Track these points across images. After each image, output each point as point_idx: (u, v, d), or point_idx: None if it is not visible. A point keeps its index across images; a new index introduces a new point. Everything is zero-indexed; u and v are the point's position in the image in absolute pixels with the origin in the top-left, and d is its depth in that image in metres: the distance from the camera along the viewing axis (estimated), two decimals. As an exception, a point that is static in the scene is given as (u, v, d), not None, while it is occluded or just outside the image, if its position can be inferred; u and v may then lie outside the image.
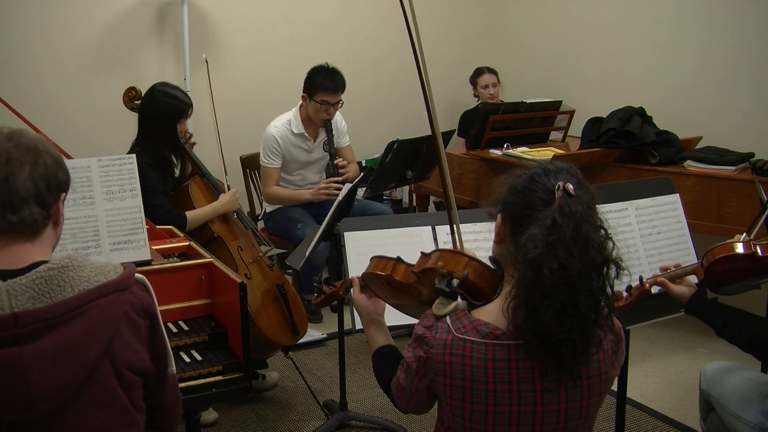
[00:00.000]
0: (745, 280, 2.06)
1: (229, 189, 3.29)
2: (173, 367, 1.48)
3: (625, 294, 2.12)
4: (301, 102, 3.94)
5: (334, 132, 3.94)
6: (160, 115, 3.11)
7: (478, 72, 5.00)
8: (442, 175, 1.66)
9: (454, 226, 1.66)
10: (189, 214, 3.09)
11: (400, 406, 1.60)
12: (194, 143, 3.34)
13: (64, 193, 1.42)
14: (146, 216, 2.54)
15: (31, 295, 1.26)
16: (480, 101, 4.95)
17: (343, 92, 3.85)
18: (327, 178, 3.99)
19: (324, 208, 3.78)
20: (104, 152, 2.53)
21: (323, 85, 3.78)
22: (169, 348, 1.47)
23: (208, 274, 2.42)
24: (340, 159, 3.95)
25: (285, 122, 3.95)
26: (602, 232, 1.38)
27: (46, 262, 1.33)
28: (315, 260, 3.69)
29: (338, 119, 4.04)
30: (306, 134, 3.95)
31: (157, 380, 1.46)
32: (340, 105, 3.87)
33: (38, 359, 1.23)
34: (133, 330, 1.37)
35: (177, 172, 3.35)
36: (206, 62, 3.58)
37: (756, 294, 2.31)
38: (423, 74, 1.60)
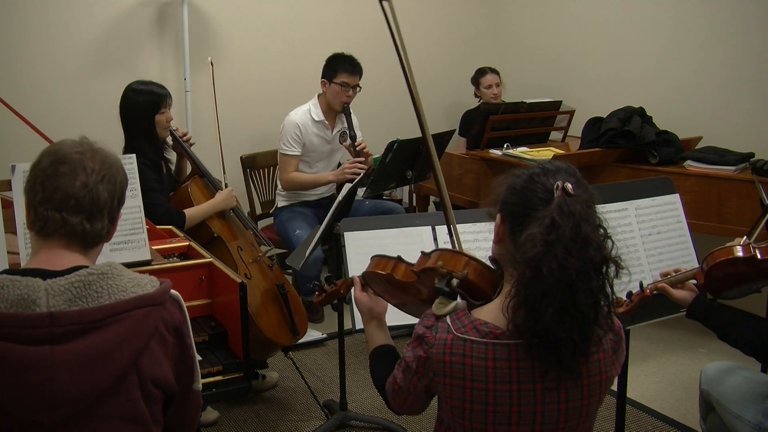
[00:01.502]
0: (746, 284, 2.06)
1: (226, 187, 3.29)
2: (199, 383, 1.48)
3: (626, 300, 2.11)
4: (318, 92, 4.01)
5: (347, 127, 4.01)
6: (140, 113, 3.09)
7: (481, 72, 4.99)
8: (435, 177, 1.66)
9: (452, 227, 1.66)
10: (187, 212, 3.09)
11: (395, 407, 1.60)
12: (192, 143, 3.35)
13: (121, 210, 1.48)
14: (145, 215, 2.52)
15: (68, 297, 1.28)
16: (481, 101, 4.94)
17: (360, 77, 3.96)
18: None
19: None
20: (104, 152, 2.52)
21: (343, 66, 3.90)
22: (197, 365, 1.47)
23: (208, 274, 2.43)
24: (361, 141, 3.99)
25: (305, 110, 4.01)
26: (601, 231, 1.38)
27: (86, 267, 1.34)
28: (306, 270, 3.69)
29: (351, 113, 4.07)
30: (326, 122, 4.01)
31: (180, 397, 1.46)
32: (358, 90, 3.95)
33: (68, 361, 1.24)
34: (162, 346, 1.38)
35: (173, 168, 3.36)
36: (211, 64, 3.58)
37: (756, 295, 2.31)
38: (410, 82, 1.61)
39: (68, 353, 1.24)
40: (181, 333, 1.43)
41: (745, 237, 2.11)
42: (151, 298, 1.35)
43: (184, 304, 1.46)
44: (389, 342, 1.75)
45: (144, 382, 1.34)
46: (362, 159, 3.89)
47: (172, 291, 1.43)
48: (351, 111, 3.98)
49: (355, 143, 3.93)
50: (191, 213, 3.10)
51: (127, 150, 3.09)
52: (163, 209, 3.02)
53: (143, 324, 1.33)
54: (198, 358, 2.16)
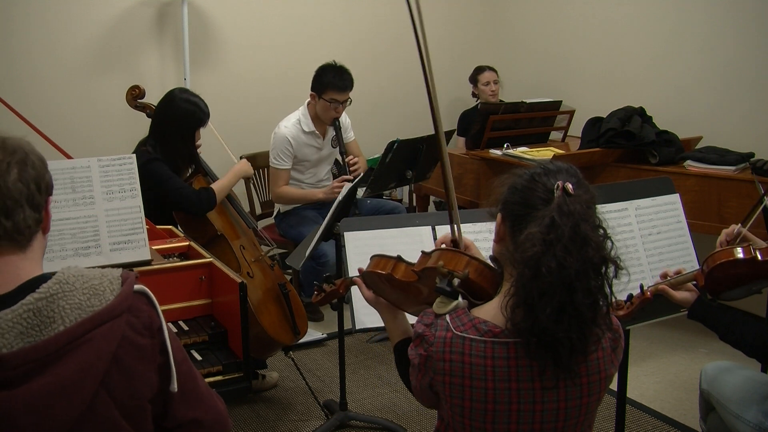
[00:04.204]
0: (746, 285, 2.06)
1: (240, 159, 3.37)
2: (174, 385, 1.31)
3: (626, 303, 2.10)
4: (308, 100, 3.95)
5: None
6: (178, 121, 3.11)
7: (479, 70, 5.03)
8: (444, 175, 1.65)
9: (456, 226, 1.65)
10: (214, 185, 3.14)
11: (419, 401, 1.58)
12: (199, 144, 3.36)
13: (50, 197, 1.34)
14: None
15: (19, 331, 1.16)
16: (479, 101, 4.96)
17: (351, 90, 3.86)
18: (337, 175, 4.03)
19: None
20: (104, 152, 2.53)
21: (332, 83, 3.78)
22: (172, 364, 1.31)
23: (208, 274, 2.43)
24: (351, 156, 3.96)
25: (295, 122, 3.94)
26: (601, 231, 1.38)
27: (39, 279, 1.23)
28: (325, 258, 3.76)
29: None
30: (316, 131, 3.96)
31: (166, 399, 1.34)
32: (348, 103, 3.87)
33: (30, 403, 1.14)
34: (134, 353, 1.25)
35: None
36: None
37: (756, 296, 2.31)
38: (428, 74, 1.56)
39: (28, 395, 1.13)
40: (155, 328, 1.29)
41: (739, 225, 2.11)
42: (110, 312, 1.22)
43: (152, 295, 1.32)
44: (408, 333, 1.72)
45: (119, 399, 1.23)
46: (350, 177, 3.79)
47: (137, 286, 1.29)
48: (340, 122, 3.92)
49: (345, 158, 3.89)
50: (218, 185, 3.15)
51: (146, 150, 3.08)
52: (189, 190, 3.04)
53: (105, 343, 1.20)
54: (198, 357, 2.19)
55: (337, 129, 3.88)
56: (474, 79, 5.03)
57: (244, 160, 3.35)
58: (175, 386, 1.30)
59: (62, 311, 1.19)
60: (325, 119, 3.89)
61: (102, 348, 1.20)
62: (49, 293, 1.19)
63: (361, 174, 3.90)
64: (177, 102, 3.13)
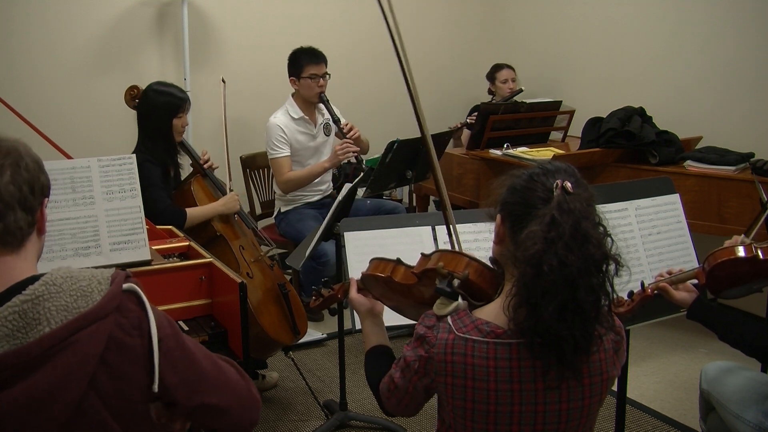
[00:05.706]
0: (747, 284, 2.06)
1: (231, 191, 3.30)
2: (155, 386, 1.26)
3: (627, 300, 2.11)
4: (292, 91, 4.07)
5: (329, 118, 4.08)
6: (158, 114, 3.12)
7: (497, 67, 5.05)
8: (435, 179, 1.66)
9: (452, 227, 1.66)
10: (189, 211, 3.10)
11: (389, 407, 1.60)
12: (216, 167, 3.36)
13: (46, 198, 1.33)
14: (145, 209, 2.49)
15: (5, 333, 1.15)
16: (494, 97, 4.99)
17: (326, 65, 4.01)
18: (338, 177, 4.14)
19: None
20: (104, 152, 2.53)
21: (307, 59, 3.97)
22: (156, 364, 1.26)
23: (208, 274, 2.43)
24: (346, 123, 4.03)
25: (283, 112, 4.05)
26: (601, 229, 1.38)
27: (28, 280, 1.22)
28: (326, 257, 3.78)
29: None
30: (305, 117, 4.04)
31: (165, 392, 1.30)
32: (328, 77, 4.00)
33: (14, 407, 1.13)
34: (123, 354, 1.23)
35: (181, 174, 3.36)
36: (223, 82, 3.61)
37: (756, 295, 2.31)
38: (409, 79, 1.60)
39: (13, 399, 1.12)
40: (144, 329, 1.26)
41: (743, 235, 2.11)
42: (96, 313, 1.20)
43: (142, 294, 1.29)
44: (386, 342, 1.76)
45: (108, 401, 1.21)
46: (350, 141, 3.93)
47: (126, 285, 1.26)
48: (328, 99, 4.02)
49: (341, 126, 3.98)
50: (192, 213, 3.10)
51: (138, 148, 3.10)
52: (164, 204, 3.03)
53: (91, 345, 1.18)
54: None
55: (326, 102, 4.00)
56: (492, 76, 5.06)
57: (233, 194, 3.27)
58: (155, 387, 1.26)
59: (48, 313, 1.18)
60: (311, 97, 4.00)
61: (88, 350, 1.18)
62: (34, 295, 1.18)
63: (359, 135, 4.02)
64: (151, 96, 3.15)
